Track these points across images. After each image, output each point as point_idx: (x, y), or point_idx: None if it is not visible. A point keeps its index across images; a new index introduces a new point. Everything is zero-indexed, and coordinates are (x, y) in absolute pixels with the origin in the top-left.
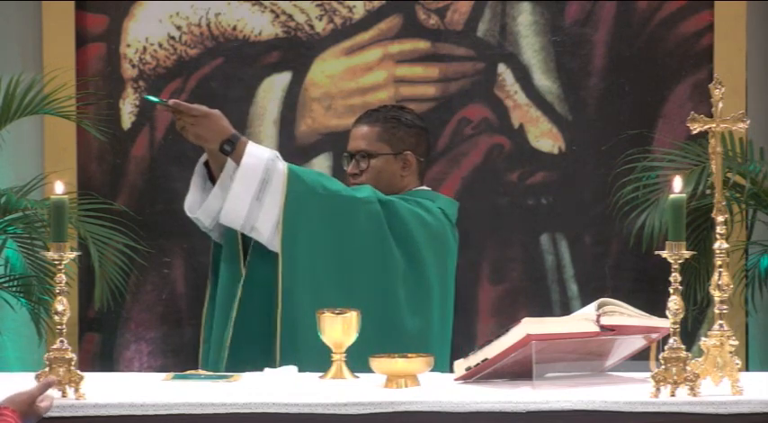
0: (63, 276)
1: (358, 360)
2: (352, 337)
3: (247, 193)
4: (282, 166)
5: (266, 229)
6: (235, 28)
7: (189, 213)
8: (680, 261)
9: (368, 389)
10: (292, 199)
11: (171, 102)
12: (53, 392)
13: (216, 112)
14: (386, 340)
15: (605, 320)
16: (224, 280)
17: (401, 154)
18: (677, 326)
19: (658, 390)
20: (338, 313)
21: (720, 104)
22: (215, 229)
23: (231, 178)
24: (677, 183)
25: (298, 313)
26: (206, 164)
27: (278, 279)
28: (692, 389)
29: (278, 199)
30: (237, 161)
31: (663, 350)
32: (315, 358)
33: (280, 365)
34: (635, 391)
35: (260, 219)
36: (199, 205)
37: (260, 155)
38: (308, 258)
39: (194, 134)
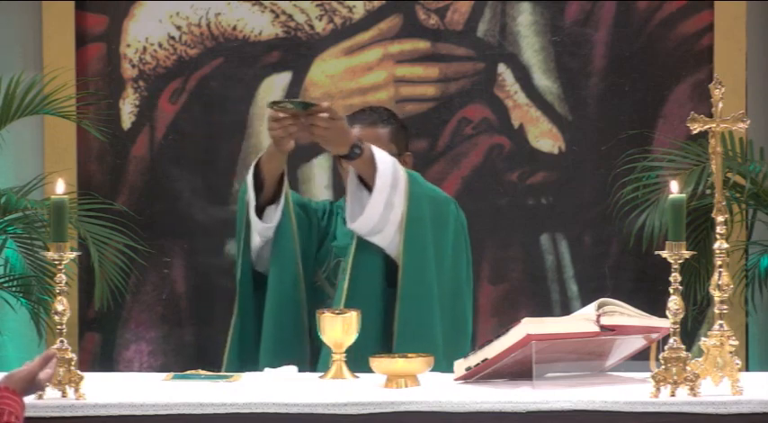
0: (63, 276)
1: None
2: (352, 337)
3: (382, 197)
4: (401, 168)
5: (390, 233)
6: (235, 28)
7: (261, 235)
8: (680, 261)
9: (368, 389)
10: (413, 201)
11: (325, 104)
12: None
13: (342, 115)
14: (455, 344)
15: (605, 320)
16: (279, 282)
17: (402, 155)
18: (677, 326)
19: (658, 390)
20: (338, 313)
21: (720, 104)
22: (266, 244)
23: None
24: (674, 187)
25: (418, 314)
26: None
27: (399, 280)
28: (691, 389)
29: (402, 202)
30: (364, 169)
31: (663, 350)
32: (435, 354)
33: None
34: (635, 391)
35: (389, 222)
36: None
37: (387, 159)
38: (423, 260)
39: (326, 138)
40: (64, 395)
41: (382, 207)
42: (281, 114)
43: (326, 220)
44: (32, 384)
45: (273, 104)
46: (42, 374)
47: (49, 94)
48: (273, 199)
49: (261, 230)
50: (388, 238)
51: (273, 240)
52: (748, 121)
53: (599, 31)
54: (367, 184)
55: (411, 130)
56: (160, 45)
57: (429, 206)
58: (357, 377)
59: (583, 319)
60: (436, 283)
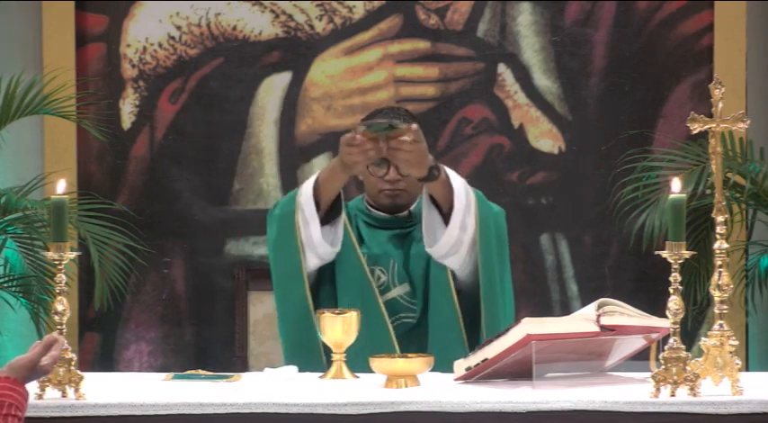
0: (63, 276)
1: None
2: (352, 337)
3: (458, 219)
4: (470, 187)
5: (463, 254)
6: (235, 28)
7: (323, 258)
8: (680, 261)
9: (368, 389)
10: (482, 221)
11: (414, 126)
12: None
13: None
14: None
15: (605, 320)
16: (360, 297)
17: None
18: (677, 326)
19: (658, 390)
20: (338, 313)
21: (720, 104)
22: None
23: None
24: (676, 185)
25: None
26: None
27: (482, 300)
28: (691, 389)
29: (473, 223)
30: (439, 190)
31: (663, 350)
32: None
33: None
34: (635, 391)
35: (463, 243)
36: (330, 240)
37: (459, 180)
38: (495, 278)
39: (408, 162)
40: (64, 395)
41: (458, 229)
42: (359, 139)
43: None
44: (34, 372)
45: (357, 129)
46: (45, 360)
47: (49, 94)
48: (326, 219)
49: (325, 254)
50: (461, 259)
51: (338, 260)
52: (748, 121)
53: (599, 31)
54: (436, 203)
55: None
56: (160, 45)
57: (493, 223)
58: (357, 377)
59: (583, 319)
60: (505, 299)
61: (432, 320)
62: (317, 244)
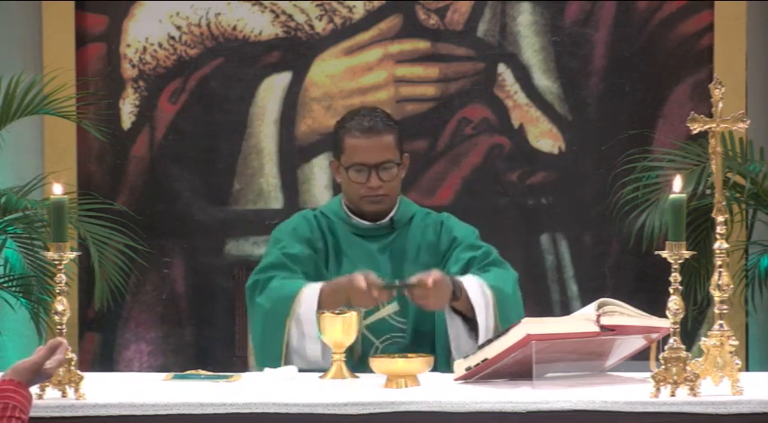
0: (63, 276)
1: None
2: (351, 337)
3: (483, 330)
4: (484, 284)
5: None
6: (235, 28)
7: (312, 364)
8: (680, 261)
9: (368, 389)
10: (503, 316)
11: (429, 280)
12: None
13: (437, 272)
14: None
15: (605, 320)
16: None
17: (402, 157)
18: (677, 326)
19: (658, 390)
20: (338, 313)
21: (720, 104)
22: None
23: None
24: (677, 183)
25: None
26: None
27: None
28: (691, 389)
29: (492, 319)
30: (459, 304)
31: (663, 350)
32: None
33: None
34: (635, 391)
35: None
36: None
37: (476, 288)
38: None
39: (435, 305)
40: (64, 395)
41: (484, 336)
42: (375, 294)
43: (322, 243)
44: (39, 374)
45: (374, 288)
46: (49, 363)
47: (49, 94)
48: None
49: (315, 363)
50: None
51: None
52: (748, 121)
53: (599, 31)
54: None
55: (411, 130)
56: (160, 45)
57: (513, 306)
58: (357, 377)
59: (583, 319)
60: None
61: (438, 328)
62: (313, 360)
